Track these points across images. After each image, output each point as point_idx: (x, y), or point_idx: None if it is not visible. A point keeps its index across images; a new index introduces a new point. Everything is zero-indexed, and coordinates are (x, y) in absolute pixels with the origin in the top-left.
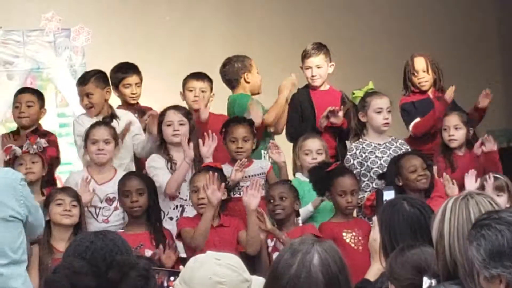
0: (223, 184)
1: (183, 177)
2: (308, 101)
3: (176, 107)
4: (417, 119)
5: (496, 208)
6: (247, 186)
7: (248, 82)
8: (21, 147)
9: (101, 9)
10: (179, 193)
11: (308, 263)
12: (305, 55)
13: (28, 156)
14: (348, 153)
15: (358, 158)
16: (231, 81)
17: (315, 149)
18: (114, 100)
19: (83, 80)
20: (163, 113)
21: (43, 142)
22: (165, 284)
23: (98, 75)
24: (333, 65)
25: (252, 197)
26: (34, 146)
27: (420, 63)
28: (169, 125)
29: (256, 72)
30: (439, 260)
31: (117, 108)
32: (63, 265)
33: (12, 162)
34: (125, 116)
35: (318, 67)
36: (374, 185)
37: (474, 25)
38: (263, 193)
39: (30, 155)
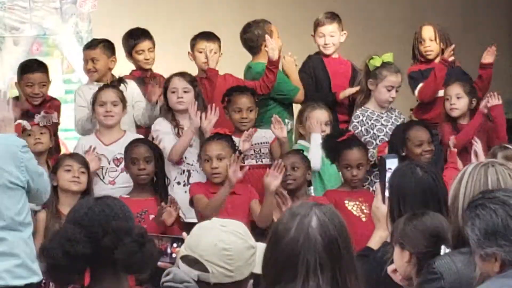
0: (237, 156)
1: (187, 145)
2: (322, 68)
3: (181, 74)
4: (420, 84)
5: None
6: (270, 164)
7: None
8: (32, 116)
9: None
10: (186, 158)
11: (306, 226)
12: (318, 23)
13: (36, 127)
14: (355, 120)
15: (364, 125)
16: (252, 48)
17: (324, 120)
18: (120, 70)
19: (91, 45)
20: (168, 80)
21: (54, 116)
22: (169, 250)
23: (106, 43)
24: (345, 33)
25: (273, 178)
26: (44, 120)
27: (428, 31)
28: (173, 92)
29: (277, 37)
30: (452, 224)
31: (127, 75)
32: (58, 233)
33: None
34: (129, 84)
35: (331, 36)
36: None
37: None
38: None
39: (39, 126)
